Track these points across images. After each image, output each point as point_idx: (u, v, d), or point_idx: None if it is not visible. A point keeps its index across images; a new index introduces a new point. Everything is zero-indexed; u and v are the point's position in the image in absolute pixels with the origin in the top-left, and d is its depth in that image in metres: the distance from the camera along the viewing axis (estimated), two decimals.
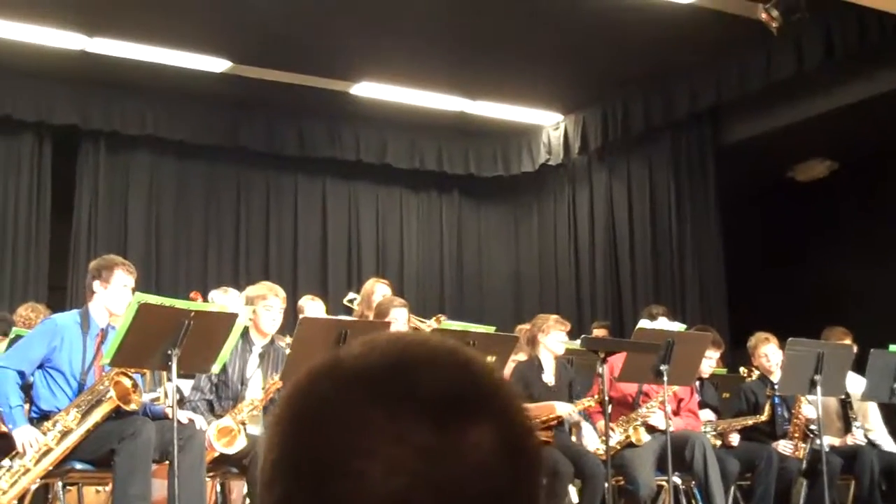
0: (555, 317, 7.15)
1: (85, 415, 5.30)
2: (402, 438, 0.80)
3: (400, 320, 6.82)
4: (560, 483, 6.42)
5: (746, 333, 8.12)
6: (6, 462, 5.24)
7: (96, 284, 5.60)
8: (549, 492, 6.40)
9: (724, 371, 8.72)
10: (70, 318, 5.64)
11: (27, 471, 5.21)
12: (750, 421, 7.52)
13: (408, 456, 0.79)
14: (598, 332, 9.78)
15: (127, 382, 5.34)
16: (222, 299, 7.48)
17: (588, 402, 6.95)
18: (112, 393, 5.29)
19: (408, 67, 10.52)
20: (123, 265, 5.68)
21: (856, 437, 7.74)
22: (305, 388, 0.86)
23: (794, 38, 9.33)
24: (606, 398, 6.24)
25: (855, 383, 7.65)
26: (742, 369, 8.13)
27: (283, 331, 6.80)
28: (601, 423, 6.67)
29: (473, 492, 0.79)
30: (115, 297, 5.59)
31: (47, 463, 5.25)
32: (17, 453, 5.23)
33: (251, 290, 6.49)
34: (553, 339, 7.00)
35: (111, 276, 5.60)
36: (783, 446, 7.41)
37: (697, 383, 7.47)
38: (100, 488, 6.43)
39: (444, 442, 0.80)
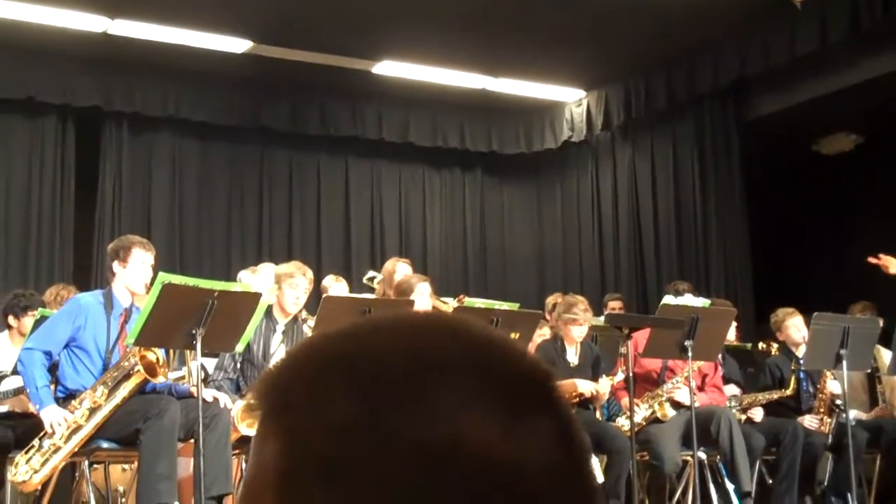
0: (581, 305, 7.06)
1: (112, 390, 5.35)
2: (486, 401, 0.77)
3: (424, 294, 6.82)
4: None
5: (772, 308, 8.09)
6: (36, 441, 5.29)
7: (116, 265, 5.66)
8: None
9: (748, 346, 8.69)
10: (93, 297, 5.70)
11: (58, 449, 5.26)
12: (775, 395, 7.50)
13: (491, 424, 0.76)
14: (613, 305, 9.75)
15: (152, 356, 5.39)
16: (250, 279, 7.51)
17: (610, 380, 6.95)
18: (139, 367, 5.34)
19: (430, 46, 10.49)
20: (140, 243, 5.74)
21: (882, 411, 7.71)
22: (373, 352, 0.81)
23: (818, 11, 9.25)
24: (631, 374, 6.24)
25: (884, 357, 7.61)
26: (761, 344, 8.11)
27: (307, 310, 6.81)
28: (626, 400, 6.67)
29: (534, 473, 0.77)
30: (135, 275, 5.64)
31: (77, 440, 5.30)
32: (47, 433, 5.28)
33: (280, 269, 6.54)
34: (573, 331, 6.98)
35: (129, 256, 5.66)
36: (808, 421, 7.39)
37: (720, 358, 7.45)
38: (126, 467, 6.48)
39: (515, 425, 0.77)
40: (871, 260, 7.63)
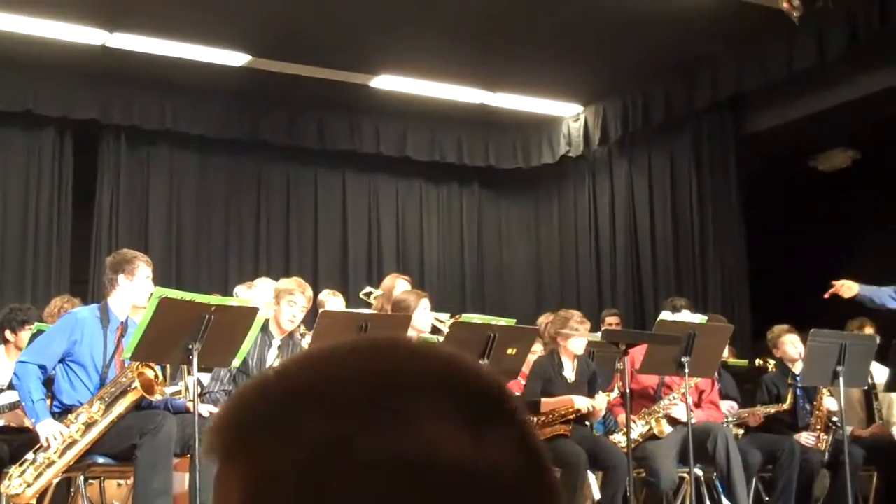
0: (576, 317, 7.05)
1: (109, 406, 5.34)
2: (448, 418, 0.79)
3: (426, 310, 6.82)
4: (574, 474, 6.42)
5: (769, 324, 8.08)
6: (30, 455, 5.27)
7: (121, 278, 5.65)
8: (564, 483, 6.40)
9: (745, 363, 8.69)
10: (89, 311, 5.69)
11: (52, 463, 5.24)
12: (772, 409, 7.49)
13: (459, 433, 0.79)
14: (610, 320, 9.76)
15: (150, 373, 5.38)
16: (246, 294, 7.50)
17: (607, 396, 6.94)
18: (136, 383, 5.32)
19: (427, 60, 10.50)
20: (142, 257, 5.76)
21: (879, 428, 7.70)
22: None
23: (815, 26, 9.26)
24: (628, 391, 6.22)
25: (880, 373, 7.60)
26: (758, 360, 8.10)
27: (304, 324, 6.80)
28: (622, 416, 6.66)
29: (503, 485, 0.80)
30: (141, 289, 5.66)
31: (72, 455, 5.29)
32: (41, 447, 5.26)
33: (281, 284, 6.53)
34: (572, 344, 6.97)
35: (135, 269, 5.66)
36: (805, 438, 7.38)
37: (717, 374, 7.45)
38: (121, 482, 6.45)
39: (480, 438, 0.80)
40: (827, 294, 7.50)
